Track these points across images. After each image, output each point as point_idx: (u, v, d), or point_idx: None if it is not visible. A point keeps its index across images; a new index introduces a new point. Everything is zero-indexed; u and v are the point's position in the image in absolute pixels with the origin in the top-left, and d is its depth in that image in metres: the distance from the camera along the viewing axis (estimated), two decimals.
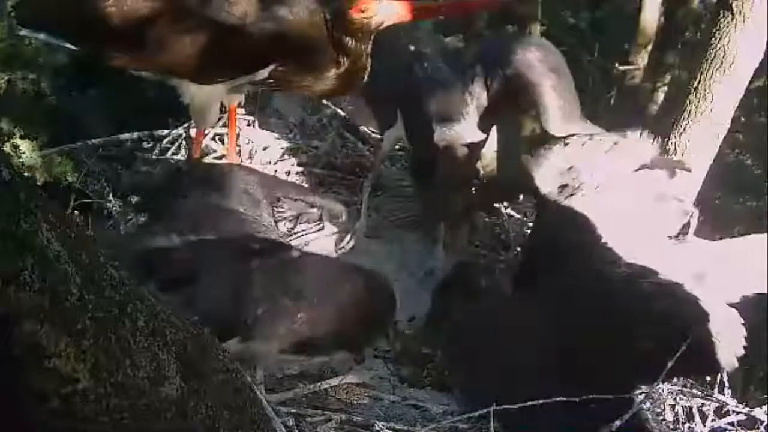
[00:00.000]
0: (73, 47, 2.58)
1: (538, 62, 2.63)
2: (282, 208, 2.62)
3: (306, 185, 3.13)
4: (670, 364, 1.95)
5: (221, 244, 2.20)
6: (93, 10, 2.39)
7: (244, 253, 2.14)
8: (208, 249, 2.18)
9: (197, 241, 2.19)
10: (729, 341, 2.04)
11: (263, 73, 2.45)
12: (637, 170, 2.50)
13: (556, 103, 2.61)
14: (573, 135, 2.54)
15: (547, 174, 2.46)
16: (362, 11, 2.38)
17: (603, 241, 2.30)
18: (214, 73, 2.48)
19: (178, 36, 2.37)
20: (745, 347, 2.05)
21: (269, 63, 2.43)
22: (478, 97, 2.67)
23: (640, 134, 2.56)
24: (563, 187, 2.43)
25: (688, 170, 2.55)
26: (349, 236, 2.98)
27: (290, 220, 2.84)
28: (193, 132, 3.16)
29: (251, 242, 2.22)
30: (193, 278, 2.03)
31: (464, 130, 2.65)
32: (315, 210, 2.77)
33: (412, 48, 2.84)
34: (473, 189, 2.96)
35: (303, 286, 2.10)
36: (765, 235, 2.25)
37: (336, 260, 2.54)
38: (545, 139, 2.59)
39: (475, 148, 2.71)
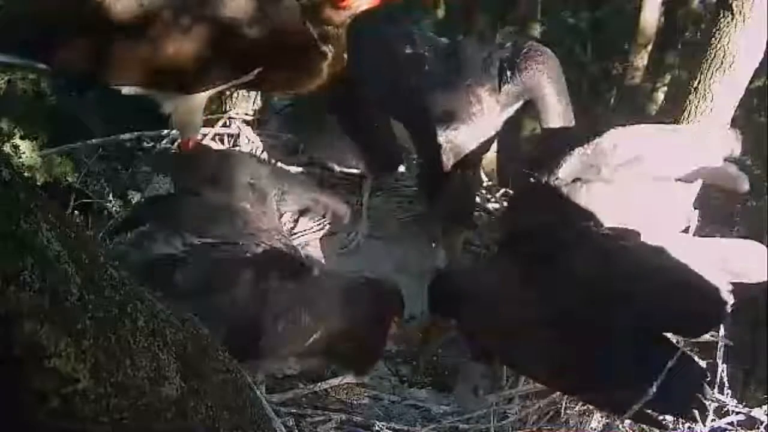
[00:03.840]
0: (48, 69, 2.39)
1: (548, 72, 2.68)
2: (285, 201, 2.55)
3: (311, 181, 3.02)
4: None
5: (232, 253, 2.13)
6: (74, 27, 2.28)
7: (258, 267, 2.09)
8: (217, 259, 2.11)
9: (203, 247, 2.12)
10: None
11: (251, 76, 2.43)
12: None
13: (559, 109, 2.66)
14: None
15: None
16: (348, 7, 2.37)
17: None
18: (203, 81, 2.43)
19: (164, 47, 2.30)
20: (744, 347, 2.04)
21: (257, 66, 2.40)
22: (485, 100, 2.65)
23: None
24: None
25: None
26: (350, 236, 2.98)
27: (293, 216, 2.79)
28: None
29: (264, 254, 2.15)
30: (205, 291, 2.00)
31: (469, 132, 2.64)
32: (319, 207, 2.70)
33: (409, 51, 2.83)
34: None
35: (322, 305, 2.11)
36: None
37: (349, 276, 2.43)
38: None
39: (480, 151, 2.70)
